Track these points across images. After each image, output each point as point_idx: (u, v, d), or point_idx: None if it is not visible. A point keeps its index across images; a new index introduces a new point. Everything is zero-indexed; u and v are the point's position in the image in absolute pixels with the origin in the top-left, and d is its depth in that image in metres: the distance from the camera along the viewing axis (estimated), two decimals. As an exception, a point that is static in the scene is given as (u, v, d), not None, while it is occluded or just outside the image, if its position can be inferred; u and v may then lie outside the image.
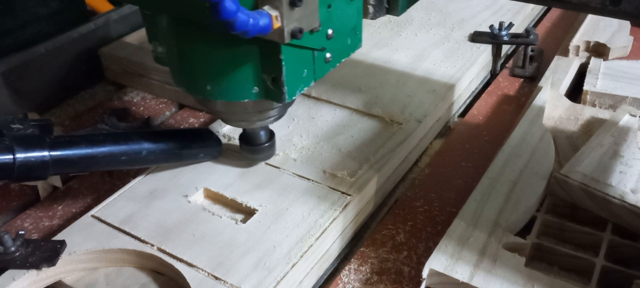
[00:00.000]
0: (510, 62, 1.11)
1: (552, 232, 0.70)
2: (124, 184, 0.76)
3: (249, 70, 0.60)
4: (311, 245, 0.64)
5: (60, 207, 0.78)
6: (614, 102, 0.90)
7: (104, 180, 0.83)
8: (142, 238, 0.65)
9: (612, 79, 0.94)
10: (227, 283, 0.60)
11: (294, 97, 0.60)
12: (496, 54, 1.05)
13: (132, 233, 0.66)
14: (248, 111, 0.67)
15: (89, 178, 0.83)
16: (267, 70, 0.59)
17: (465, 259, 0.62)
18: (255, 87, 0.61)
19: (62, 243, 0.64)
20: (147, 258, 0.65)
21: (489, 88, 1.03)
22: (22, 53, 0.99)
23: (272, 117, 0.70)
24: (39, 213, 0.77)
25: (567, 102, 0.92)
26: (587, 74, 0.96)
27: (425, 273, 0.62)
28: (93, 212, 0.70)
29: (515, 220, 0.67)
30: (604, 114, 0.88)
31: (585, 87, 0.92)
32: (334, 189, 0.71)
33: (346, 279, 0.65)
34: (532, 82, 1.03)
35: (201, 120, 0.97)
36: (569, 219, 0.71)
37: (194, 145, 0.74)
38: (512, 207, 0.69)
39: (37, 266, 0.62)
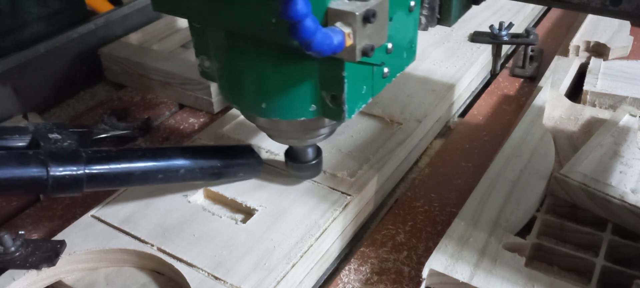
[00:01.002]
0: (510, 62, 1.11)
1: (552, 232, 0.70)
2: (124, 184, 0.76)
3: (307, 88, 0.57)
4: (311, 245, 0.64)
5: (60, 207, 0.78)
6: (614, 102, 0.90)
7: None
8: (142, 238, 0.65)
9: (612, 79, 0.94)
10: (227, 283, 0.60)
11: (353, 115, 0.58)
12: (496, 54, 1.05)
13: (132, 233, 0.66)
14: (301, 129, 0.64)
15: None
16: (327, 87, 0.56)
17: (465, 259, 0.62)
18: (313, 105, 0.58)
19: (62, 243, 0.64)
20: (147, 258, 0.65)
21: (489, 88, 1.03)
22: (22, 53, 0.99)
23: (324, 135, 0.66)
24: (39, 214, 0.77)
25: (567, 102, 0.92)
26: (587, 74, 0.96)
27: (425, 273, 0.62)
28: (93, 212, 0.70)
29: (515, 220, 0.67)
30: (604, 114, 0.88)
31: (585, 87, 0.92)
32: (334, 189, 0.71)
33: (346, 279, 0.65)
34: (532, 82, 1.03)
35: (201, 120, 0.97)
36: (569, 219, 0.71)
37: (234, 163, 0.71)
38: (512, 207, 0.69)
39: (37, 266, 0.62)
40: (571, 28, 1.15)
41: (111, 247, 0.65)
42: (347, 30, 0.47)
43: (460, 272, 0.60)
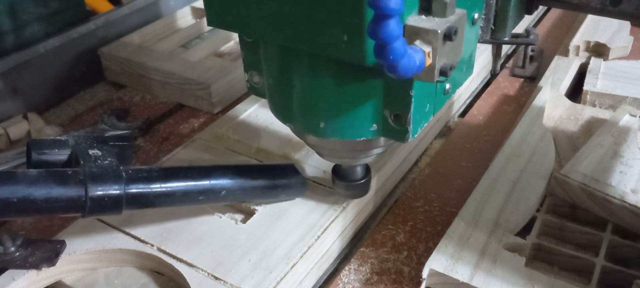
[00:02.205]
0: (511, 62, 1.11)
1: (552, 232, 0.70)
2: (124, 184, 0.76)
3: (370, 107, 0.53)
4: (311, 245, 0.64)
5: (60, 207, 0.78)
6: (614, 102, 0.90)
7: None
8: (142, 238, 0.65)
9: (612, 79, 0.94)
10: (227, 283, 0.60)
11: (416, 135, 0.54)
12: (496, 54, 1.05)
13: (132, 233, 0.66)
14: (356, 148, 0.60)
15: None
16: (390, 105, 0.52)
17: (465, 259, 0.62)
18: (375, 124, 0.54)
19: (62, 243, 0.64)
20: (147, 258, 0.65)
21: (489, 88, 1.03)
22: (22, 53, 0.99)
23: (378, 154, 0.62)
24: (39, 213, 0.77)
25: (567, 102, 0.92)
26: (587, 74, 0.96)
27: (425, 273, 0.62)
28: (93, 212, 0.70)
29: (515, 220, 0.67)
30: (604, 114, 0.88)
31: (586, 87, 0.92)
32: (333, 189, 0.71)
33: (346, 279, 0.65)
34: (532, 82, 1.03)
35: (201, 120, 0.97)
36: (569, 219, 0.71)
37: (278, 184, 0.68)
38: (512, 207, 0.69)
39: (37, 266, 0.62)
40: (571, 28, 1.15)
41: (111, 247, 0.65)
42: (427, 49, 0.44)
43: (460, 272, 0.60)
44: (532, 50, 1.08)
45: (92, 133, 0.90)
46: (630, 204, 0.66)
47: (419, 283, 0.63)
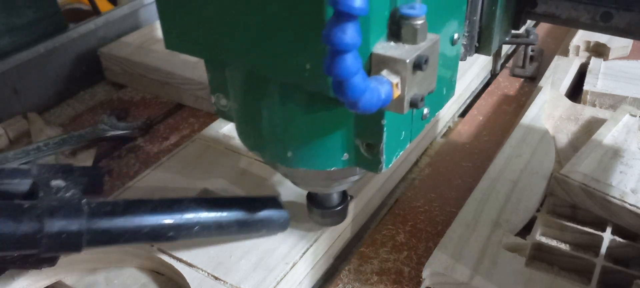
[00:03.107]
0: (511, 62, 1.11)
1: (552, 232, 0.70)
2: (123, 184, 0.76)
3: (340, 136, 0.50)
4: (311, 245, 0.64)
5: (60, 207, 0.78)
6: (614, 102, 0.90)
7: (103, 180, 0.83)
8: (142, 238, 0.65)
9: (612, 79, 0.94)
10: (227, 283, 0.60)
11: (390, 165, 0.51)
12: (496, 53, 1.05)
13: (132, 233, 0.66)
14: (329, 177, 0.56)
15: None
16: (362, 135, 0.49)
17: (465, 259, 0.62)
18: (346, 154, 0.51)
19: (62, 243, 0.64)
20: (147, 259, 0.65)
21: (489, 88, 1.03)
22: (22, 53, 0.99)
23: (355, 181, 0.59)
24: (39, 213, 0.77)
25: (567, 102, 0.92)
26: (587, 74, 0.96)
27: (425, 273, 0.62)
28: (93, 212, 0.70)
29: (515, 220, 0.67)
30: (604, 113, 0.88)
31: (586, 87, 0.92)
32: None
33: (346, 279, 0.65)
34: (532, 82, 1.03)
35: (201, 119, 0.97)
36: (569, 219, 0.71)
37: (257, 219, 0.63)
38: (512, 207, 0.69)
39: (37, 266, 0.62)
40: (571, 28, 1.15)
41: (111, 247, 0.65)
42: (394, 79, 0.41)
43: (460, 272, 0.60)
44: (532, 50, 1.08)
45: (92, 133, 0.90)
46: (630, 204, 0.66)
47: (419, 283, 0.63)
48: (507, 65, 1.10)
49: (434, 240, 0.69)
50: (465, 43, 0.59)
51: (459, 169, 0.83)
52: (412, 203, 0.76)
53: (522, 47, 1.06)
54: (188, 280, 0.60)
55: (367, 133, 0.48)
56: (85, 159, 0.87)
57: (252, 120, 0.53)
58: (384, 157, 0.49)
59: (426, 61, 0.41)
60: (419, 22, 0.41)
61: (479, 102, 0.99)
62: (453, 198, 0.77)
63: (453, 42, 0.52)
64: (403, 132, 0.50)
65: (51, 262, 0.62)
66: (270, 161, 0.56)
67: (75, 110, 1.03)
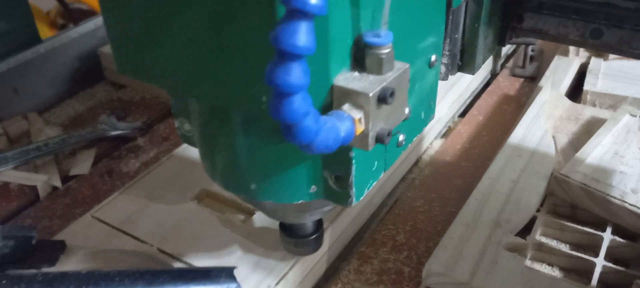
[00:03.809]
0: (511, 62, 1.11)
1: (552, 232, 0.70)
2: (123, 184, 0.76)
3: (307, 168, 0.46)
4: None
5: (60, 207, 0.78)
6: (614, 102, 0.90)
7: (103, 180, 0.83)
8: (142, 238, 0.65)
9: (612, 79, 0.94)
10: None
11: (361, 198, 0.47)
12: (496, 53, 1.05)
13: (132, 233, 0.66)
14: (298, 210, 0.52)
15: (88, 179, 0.83)
16: (330, 167, 0.45)
17: (465, 259, 0.62)
18: (314, 186, 0.47)
19: (62, 243, 0.64)
20: (147, 258, 0.65)
21: (489, 88, 1.03)
22: (22, 53, 0.99)
23: (328, 211, 0.56)
24: (39, 214, 0.77)
25: (568, 102, 0.92)
26: (588, 73, 0.96)
27: (425, 273, 0.62)
28: (93, 212, 0.70)
29: (515, 220, 0.67)
30: (604, 113, 0.88)
31: (586, 87, 0.92)
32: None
33: (346, 279, 0.65)
34: (532, 82, 1.03)
35: (201, 120, 0.97)
36: (569, 219, 0.71)
37: None
38: (512, 207, 0.69)
39: (37, 266, 0.62)
40: (571, 28, 1.15)
41: (111, 247, 0.65)
42: (357, 114, 0.37)
43: (460, 272, 0.60)
44: (532, 50, 1.08)
45: (92, 133, 0.90)
46: (630, 204, 0.66)
47: (419, 283, 0.63)
48: (507, 65, 1.10)
49: (434, 240, 0.69)
50: (446, 62, 0.57)
51: (459, 169, 0.83)
52: (412, 203, 0.76)
53: (522, 47, 1.06)
54: (188, 280, 0.60)
55: (335, 165, 0.45)
56: (85, 159, 0.87)
57: (212, 150, 0.50)
58: (353, 190, 0.45)
59: (392, 94, 0.38)
60: (385, 51, 0.38)
61: (479, 102, 0.99)
62: (453, 198, 0.77)
63: (430, 65, 0.49)
64: (376, 163, 0.47)
65: (51, 262, 0.62)
66: (234, 193, 0.52)
67: (75, 110, 1.03)
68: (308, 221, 0.57)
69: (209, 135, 0.49)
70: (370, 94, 0.37)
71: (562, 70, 1.00)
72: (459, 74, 0.95)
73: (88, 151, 0.89)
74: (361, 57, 0.39)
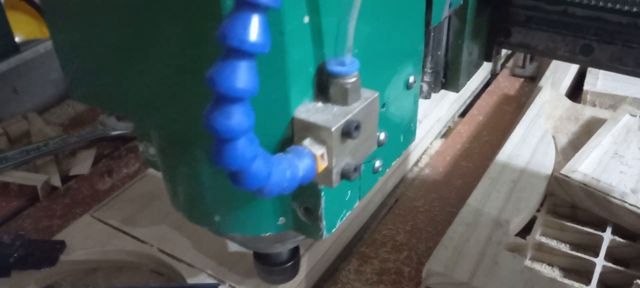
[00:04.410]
0: (511, 62, 1.11)
1: (552, 232, 0.70)
2: (124, 184, 0.76)
3: (272, 200, 0.43)
4: (311, 245, 0.64)
5: (60, 207, 0.78)
6: (614, 102, 0.90)
7: (103, 180, 0.83)
8: (142, 238, 0.65)
9: (612, 79, 0.94)
10: (227, 283, 0.60)
11: (333, 229, 0.44)
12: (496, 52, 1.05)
13: (132, 233, 0.66)
14: (268, 241, 0.49)
15: (88, 179, 0.83)
16: (298, 198, 0.42)
17: (465, 259, 0.62)
18: (282, 218, 0.44)
19: (62, 243, 0.64)
20: (147, 258, 0.65)
21: (489, 88, 1.03)
22: (22, 53, 0.99)
23: (302, 240, 0.53)
24: (39, 213, 0.77)
25: (568, 102, 0.92)
26: (587, 74, 0.96)
27: (425, 273, 0.62)
28: (93, 212, 0.70)
29: (515, 220, 0.67)
30: (604, 113, 0.88)
31: (586, 87, 0.92)
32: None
33: (346, 279, 0.65)
34: (532, 82, 1.03)
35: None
36: (569, 219, 0.71)
37: None
38: (512, 207, 0.69)
39: (37, 266, 0.62)
40: (571, 28, 1.14)
41: (111, 247, 0.65)
42: (319, 150, 0.34)
43: (460, 272, 0.60)
44: (532, 50, 1.08)
45: (92, 133, 0.90)
46: (630, 204, 0.66)
47: (419, 283, 0.63)
48: (507, 65, 1.10)
49: (434, 240, 0.69)
50: (428, 80, 0.54)
51: (459, 169, 0.83)
52: (412, 203, 0.76)
53: (522, 47, 1.06)
54: (188, 280, 0.60)
55: (303, 197, 0.41)
56: (85, 159, 0.87)
57: (174, 180, 0.46)
58: (324, 223, 0.42)
59: (358, 127, 0.34)
60: (350, 80, 0.35)
61: (479, 102, 0.99)
62: (453, 198, 0.77)
63: (408, 86, 0.46)
64: (349, 192, 0.43)
65: (51, 262, 0.62)
66: (199, 225, 0.49)
67: (75, 110, 1.03)
68: (282, 250, 0.54)
69: (170, 164, 0.46)
70: (333, 128, 0.33)
71: (562, 70, 0.99)
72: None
73: (88, 151, 0.89)
74: (326, 86, 0.35)
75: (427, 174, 0.82)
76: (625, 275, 0.62)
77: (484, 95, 1.01)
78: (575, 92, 0.99)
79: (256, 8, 0.26)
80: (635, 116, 0.83)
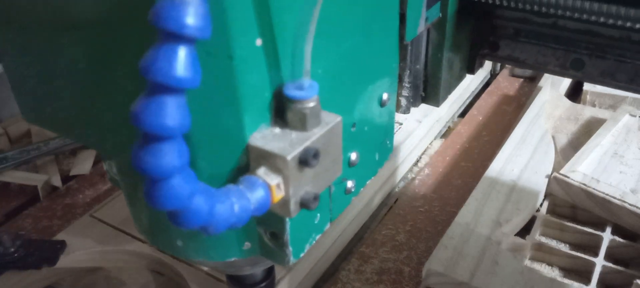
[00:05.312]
0: (510, 62, 1.11)
1: (552, 232, 0.70)
2: (124, 184, 0.76)
3: None
4: (311, 245, 0.64)
5: (60, 207, 0.78)
6: (614, 102, 0.90)
7: (104, 180, 0.83)
8: (142, 238, 0.65)
9: (612, 79, 0.94)
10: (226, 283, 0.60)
11: (302, 254, 0.41)
12: (496, 54, 1.05)
13: (132, 233, 0.66)
14: (239, 265, 0.47)
15: (89, 179, 0.83)
16: (264, 222, 0.39)
17: (465, 259, 0.62)
18: (247, 243, 0.41)
19: (62, 243, 0.64)
20: (147, 258, 0.65)
21: (489, 88, 1.03)
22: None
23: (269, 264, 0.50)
24: (39, 213, 0.77)
25: (567, 102, 0.92)
26: (587, 74, 0.96)
27: (425, 273, 0.62)
28: (93, 212, 0.70)
29: (515, 220, 0.67)
30: (604, 114, 0.88)
31: (585, 87, 0.92)
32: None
33: (346, 279, 0.65)
34: (532, 82, 1.03)
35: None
36: (569, 219, 0.71)
37: None
38: (512, 207, 0.69)
39: (37, 266, 0.62)
40: (571, 28, 1.14)
41: (111, 247, 0.65)
42: (274, 180, 0.32)
43: (460, 272, 0.60)
44: (532, 50, 1.08)
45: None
46: (630, 204, 0.66)
47: (419, 283, 0.63)
48: (507, 65, 1.10)
49: (434, 240, 0.69)
50: (407, 94, 0.52)
51: (459, 169, 0.83)
52: (412, 203, 0.76)
53: (522, 47, 1.06)
54: (188, 280, 0.60)
55: (268, 222, 0.39)
56: (86, 159, 0.87)
57: (134, 203, 0.44)
58: (290, 249, 0.40)
59: (316, 155, 0.32)
60: (309, 105, 0.33)
61: (479, 102, 0.99)
62: (453, 198, 0.77)
63: (382, 103, 0.44)
64: (318, 215, 0.41)
65: (51, 262, 0.62)
66: (163, 250, 0.46)
67: (75, 110, 1.03)
68: (257, 271, 0.51)
69: (130, 187, 0.43)
70: (289, 157, 0.31)
71: (562, 70, 1.00)
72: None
73: (88, 151, 0.89)
74: (284, 111, 0.33)
75: (427, 174, 0.82)
76: (625, 275, 0.62)
77: (483, 95, 1.01)
78: (575, 92, 1.00)
79: (182, 40, 0.24)
80: (635, 116, 0.83)
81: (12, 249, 0.62)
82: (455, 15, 0.51)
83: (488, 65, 1.06)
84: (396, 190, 0.80)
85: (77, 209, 0.78)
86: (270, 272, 0.53)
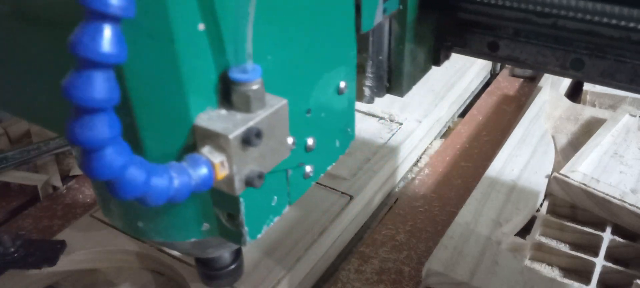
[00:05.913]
0: (510, 62, 1.11)
1: (552, 232, 0.70)
2: (124, 184, 0.76)
3: (195, 205, 0.41)
4: (311, 245, 0.64)
5: (60, 207, 0.78)
6: (614, 102, 0.90)
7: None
8: (142, 238, 0.65)
9: (612, 79, 0.94)
10: (227, 283, 0.60)
11: (259, 235, 0.43)
12: (496, 54, 1.05)
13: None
14: (202, 246, 0.48)
15: (88, 179, 0.83)
16: (219, 204, 0.41)
17: (465, 259, 0.62)
18: (206, 224, 0.43)
19: (62, 243, 0.64)
20: (147, 258, 0.65)
21: (489, 88, 1.03)
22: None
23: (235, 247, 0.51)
24: (39, 213, 0.77)
25: (567, 102, 0.92)
26: (587, 74, 0.96)
27: (425, 273, 0.62)
28: (93, 212, 0.70)
29: (515, 220, 0.67)
30: (604, 114, 0.88)
31: (585, 87, 0.92)
32: (333, 189, 0.71)
33: (346, 279, 0.65)
34: (532, 82, 1.03)
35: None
36: (568, 219, 0.71)
37: None
38: (512, 207, 0.69)
39: (37, 266, 0.62)
40: (571, 28, 1.14)
41: (111, 247, 0.65)
42: (218, 158, 0.34)
43: (460, 272, 0.60)
44: (532, 50, 1.08)
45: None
46: (630, 204, 0.66)
47: (419, 283, 0.63)
48: (507, 65, 1.10)
49: (434, 240, 0.69)
50: (370, 84, 0.52)
51: (459, 169, 0.83)
52: (412, 203, 0.76)
53: (522, 47, 1.06)
54: (188, 281, 0.60)
55: (224, 203, 0.40)
56: (85, 159, 0.87)
57: (98, 185, 0.45)
58: (246, 229, 0.41)
59: (259, 134, 0.34)
60: (253, 87, 0.35)
61: (479, 102, 0.99)
62: (453, 198, 0.77)
63: (339, 92, 0.45)
64: (275, 197, 0.43)
65: (51, 262, 0.62)
66: (125, 232, 0.47)
67: (75, 110, 1.03)
68: (223, 254, 0.52)
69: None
70: (231, 136, 0.33)
71: (562, 70, 1.00)
72: (458, 73, 0.96)
73: (88, 151, 0.88)
74: (230, 93, 0.35)
75: (426, 174, 0.82)
76: (625, 275, 0.62)
77: (483, 96, 1.01)
78: (575, 92, 1.00)
79: (106, 18, 0.25)
80: (635, 116, 0.83)
81: (12, 249, 0.62)
82: (416, 7, 0.51)
83: (488, 65, 1.06)
84: (396, 190, 0.80)
85: (77, 209, 0.78)
86: (237, 255, 0.54)
